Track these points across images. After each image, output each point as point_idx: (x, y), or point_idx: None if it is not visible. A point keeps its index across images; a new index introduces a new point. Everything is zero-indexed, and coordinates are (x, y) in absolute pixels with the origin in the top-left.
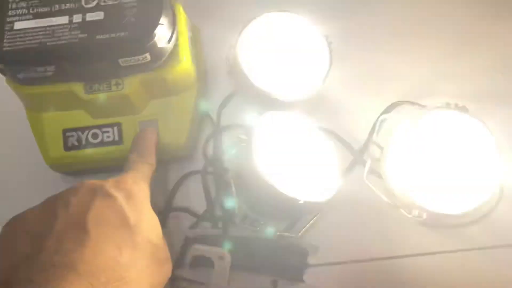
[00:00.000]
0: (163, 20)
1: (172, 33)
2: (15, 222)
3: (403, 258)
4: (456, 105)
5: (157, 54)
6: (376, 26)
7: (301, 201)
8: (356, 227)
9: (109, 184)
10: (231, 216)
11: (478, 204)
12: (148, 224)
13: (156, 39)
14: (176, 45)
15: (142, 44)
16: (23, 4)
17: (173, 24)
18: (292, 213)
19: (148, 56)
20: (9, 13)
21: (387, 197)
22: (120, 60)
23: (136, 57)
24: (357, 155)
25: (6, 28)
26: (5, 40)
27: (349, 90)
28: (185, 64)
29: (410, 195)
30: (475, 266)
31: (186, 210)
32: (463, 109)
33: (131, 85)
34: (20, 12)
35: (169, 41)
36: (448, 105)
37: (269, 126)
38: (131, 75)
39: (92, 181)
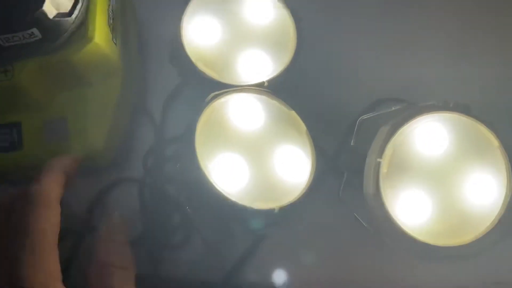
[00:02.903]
0: None
1: (77, 2)
2: None
3: None
4: (456, 104)
5: (50, 29)
6: (362, 4)
7: (275, 210)
8: (326, 255)
9: None
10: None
11: (482, 233)
12: None
13: (45, 8)
14: (85, 19)
15: (25, 16)
16: None
17: None
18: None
19: (36, 32)
20: None
21: (367, 221)
22: (0, 39)
23: (20, 34)
24: (331, 162)
25: None
26: None
27: (323, 81)
28: (98, 44)
29: (397, 222)
30: None
31: None
32: (466, 109)
33: (23, 72)
34: None
35: (71, 12)
36: (445, 104)
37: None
38: (22, 60)
39: None
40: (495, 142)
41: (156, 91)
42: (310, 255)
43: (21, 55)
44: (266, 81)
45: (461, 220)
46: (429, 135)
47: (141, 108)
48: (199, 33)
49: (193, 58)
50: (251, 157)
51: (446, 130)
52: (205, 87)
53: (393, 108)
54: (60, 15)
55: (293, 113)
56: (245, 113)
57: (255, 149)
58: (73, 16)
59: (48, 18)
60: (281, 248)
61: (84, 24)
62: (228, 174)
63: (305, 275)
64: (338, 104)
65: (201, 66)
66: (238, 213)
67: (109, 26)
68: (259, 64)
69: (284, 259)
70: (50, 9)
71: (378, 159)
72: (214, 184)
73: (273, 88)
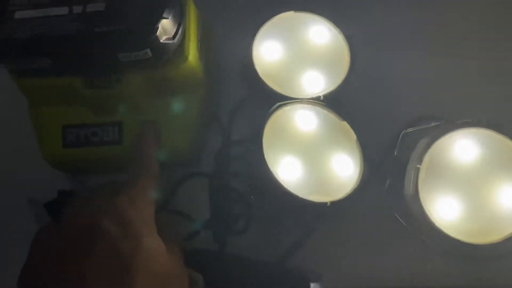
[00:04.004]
0: (168, 14)
1: (178, 29)
2: (29, 264)
3: None
4: (488, 122)
5: (159, 50)
6: (410, 28)
7: (328, 204)
8: (366, 252)
9: (108, 220)
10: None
11: (508, 235)
12: (148, 256)
13: (158, 34)
14: (182, 42)
15: (143, 39)
16: None
17: (180, 19)
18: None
19: (149, 52)
20: (11, 2)
21: (406, 220)
22: (119, 55)
23: (136, 53)
24: (376, 169)
25: (6, 18)
26: (4, 29)
27: (372, 96)
28: (191, 63)
29: (432, 221)
30: None
31: (187, 216)
32: (497, 127)
33: (131, 82)
34: (23, 2)
35: (174, 37)
36: (479, 122)
37: (278, 122)
38: (132, 72)
39: (92, 215)
40: None
41: (224, 101)
42: (353, 249)
43: (132, 69)
44: (322, 95)
45: (488, 223)
46: (463, 148)
47: (214, 115)
48: (267, 53)
49: (260, 74)
50: (308, 157)
51: (478, 144)
52: (269, 99)
53: (432, 124)
54: (166, 39)
55: (345, 123)
56: (304, 120)
57: (312, 152)
58: (175, 40)
59: (159, 41)
60: (327, 241)
61: (181, 46)
62: (289, 170)
63: (347, 267)
64: (385, 118)
65: (267, 80)
66: (296, 204)
67: (198, 48)
68: (316, 81)
69: (329, 250)
70: (161, 34)
71: (418, 165)
72: (278, 178)
73: (328, 102)
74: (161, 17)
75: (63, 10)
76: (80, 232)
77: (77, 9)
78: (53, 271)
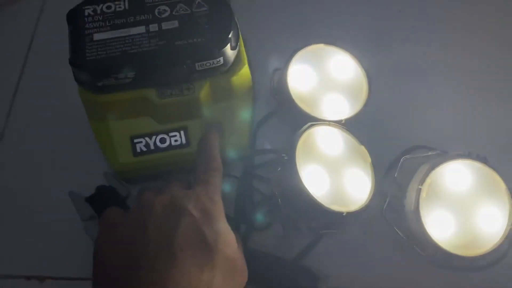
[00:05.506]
0: (234, 27)
1: (237, 40)
2: (109, 235)
3: None
4: (477, 155)
5: (227, 58)
6: (418, 62)
7: (344, 213)
8: (368, 257)
9: (191, 205)
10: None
11: (489, 250)
12: (225, 241)
13: (228, 45)
14: (239, 51)
15: (219, 48)
16: (99, 17)
17: (237, 31)
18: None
19: (221, 60)
20: (86, 26)
21: (404, 233)
22: (196, 64)
23: (211, 61)
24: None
25: (86, 40)
26: (87, 50)
27: (382, 120)
28: (247, 68)
29: (429, 234)
30: None
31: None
32: (483, 159)
33: (201, 89)
34: (97, 25)
35: (236, 46)
36: (470, 154)
37: (308, 139)
38: (202, 80)
39: (176, 198)
40: (503, 186)
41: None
42: (357, 254)
43: (203, 76)
44: (343, 119)
45: (474, 239)
46: (456, 175)
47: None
48: (297, 77)
49: (292, 95)
50: (330, 172)
51: (469, 173)
52: (297, 118)
53: (429, 153)
54: (232, 47)
55: (363, 147)
56: (329, 140)
57: (332, 167)
58: (236, 49)
59: (229, 50)
60: (333, 246)
61: (238, 55)
62: (313, 181)
63: (348, 269)
64: (390, 142)
65: (298, 101)
66: (317, 211)
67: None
68: (339, 106)
69: (336, 254)
70: (229, 44)
71: (420, 186)
72: (305, 187)
73: (349, 125)
74: (231, 30)
75: (140, 30)
76: (165, 210)
77: (153, 27)
78: (140, 244)
